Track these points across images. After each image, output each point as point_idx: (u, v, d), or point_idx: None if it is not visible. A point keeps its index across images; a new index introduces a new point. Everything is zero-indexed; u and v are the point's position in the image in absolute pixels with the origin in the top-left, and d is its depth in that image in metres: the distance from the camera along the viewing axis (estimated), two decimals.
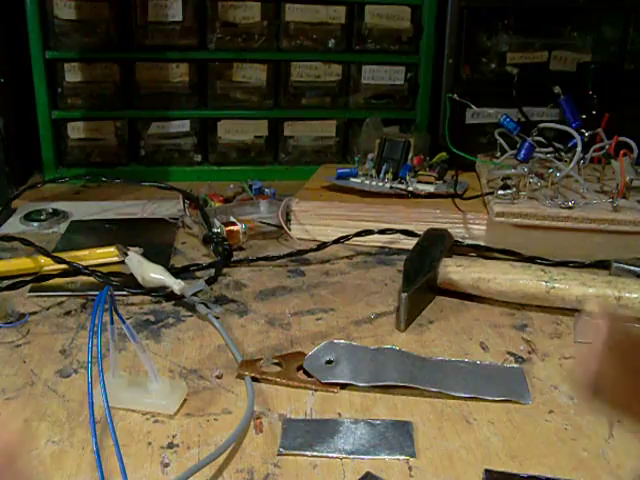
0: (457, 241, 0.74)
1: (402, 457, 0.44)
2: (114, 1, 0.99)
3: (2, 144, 0.94)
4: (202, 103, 1.05)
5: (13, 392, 0.50)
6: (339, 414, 0.48)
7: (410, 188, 0.82)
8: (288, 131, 1.07)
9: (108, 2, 0.98)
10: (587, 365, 0.16)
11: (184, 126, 1.05)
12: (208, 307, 0.61)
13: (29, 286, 0.65)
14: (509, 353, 0.56)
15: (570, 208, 0.74)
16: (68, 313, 0.62)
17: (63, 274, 0.66)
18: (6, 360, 0.54)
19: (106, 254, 0.71)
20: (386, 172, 0.85)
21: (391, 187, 0.83)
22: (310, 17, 1.02)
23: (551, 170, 0.79)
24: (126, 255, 0.67)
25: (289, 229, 0.80)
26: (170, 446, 0.44)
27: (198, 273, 0.71)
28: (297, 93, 1.06)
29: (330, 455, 0.44)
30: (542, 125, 0.86)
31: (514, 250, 0.73)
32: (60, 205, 0.90)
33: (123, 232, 0.82)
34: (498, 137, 0.89)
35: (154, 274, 0.64)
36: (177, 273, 0.68)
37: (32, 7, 0.95)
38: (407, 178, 0.83)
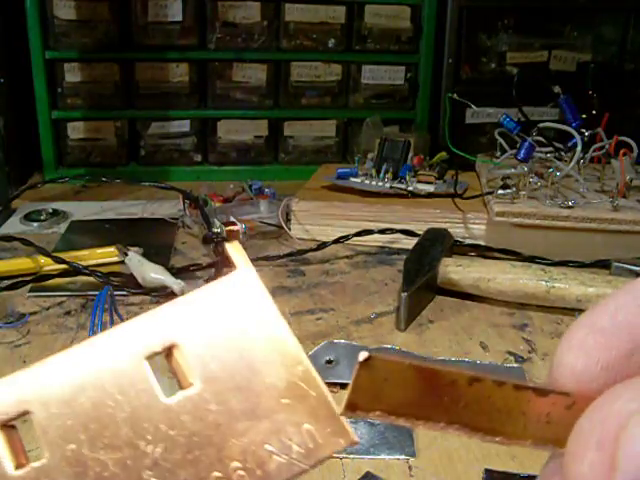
0: (457, 241, 0.74)
1: (402, 457, 0.44)
2: (114, 1, 0.99)
3: (2, 144, 0.94)
4: (202, 103, 1.05)
5: None
6: None
7: (410, 188, 0.82)
8: (288, 131, 1.07)
9: (108, 2, 0.98)
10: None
11: (184, 126, 1.05)
12: None
13: (29, 286, 0.65)
14: (509, 353, 0.57)
15: (570, 208, 0.74)
16: (68, 313, 0.62)
17: (63, 274, 0.66)
18: (6, 360, 0.54)
19: (106, 254, 0.71)
20: (386, 172, 0.85)
21: (391, 187, 0.83)
22: (310, 17, 1.02)
23: (551, 170, 0.79)
24: (126, 255, 0.67)
25: (289, 229, 0.80)
26: None
27: (198, 273, 0.71)
28: (297, 93, 1.06)
29: None
30: (542, 125, 0.86)
31: (514, 250, 0.73)
32: (60, 205, 0.90)
33: (123, 232, 0.82)
34: (498, 137, 0.89)
35: (154, 274, 0.64)
36: (177, 273, 0.68)
37: (32, 7, 0.95)
38: (407, 178, 0.83)
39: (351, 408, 0.17)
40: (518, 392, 0.17)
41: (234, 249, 0.19)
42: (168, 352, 0.18)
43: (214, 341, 0.18)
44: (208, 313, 0.18)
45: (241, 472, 0.17)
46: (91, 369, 0.17)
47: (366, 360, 0.16)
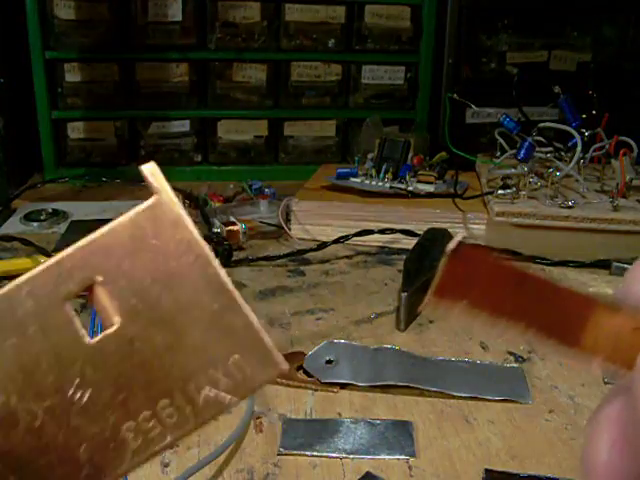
0: None
1: (402, 457, 0.44)
2: (114, 1, 0.99)
3: (2, 144, 0.94)
4: (202, 103, 1.05)
5: None
6: (339, 414, 0.48)
7: (410, 188, 0.82)
8: (288, 131, 1.08)
9: (108, 2, 0.98)
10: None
11: (184, 126, 1.05)
12: None
13: None
14: (509, 353, 0.57)
15: (570, 208, 0.74)
16: None
17: None
18: None
19: None
20: (386, 172, 0.85)
21: (391, 187, 0.83)
22: (310, 17, 1.02)
23: (551, 170, 0.79)
24: None
25: (289, 229, 0.80)
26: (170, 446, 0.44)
27: None
28: (297, 93, 1.06)
29: (330, 455, 0.44)
30: (542, 125, 0.86)
31: (514, 250, 0.73)
32: (60, 205, 0.90)
33: None
34: (498, 137, 0.89)
35: None
36: None
37: (32, 7, 0.95)
38: (407, 178, 0.83)
39: (439, 294, 0.16)
40: (594, 303, 0.17)
41: (152, 173, 0.17)
42: (89, 290, 0.17)
43: (135, 274, 0.17)
44: (127, 244, 0.17)
45: (170, 410, 0.17)
46: (12, 316, 0.16)
47: (456, 248, 0.16)
